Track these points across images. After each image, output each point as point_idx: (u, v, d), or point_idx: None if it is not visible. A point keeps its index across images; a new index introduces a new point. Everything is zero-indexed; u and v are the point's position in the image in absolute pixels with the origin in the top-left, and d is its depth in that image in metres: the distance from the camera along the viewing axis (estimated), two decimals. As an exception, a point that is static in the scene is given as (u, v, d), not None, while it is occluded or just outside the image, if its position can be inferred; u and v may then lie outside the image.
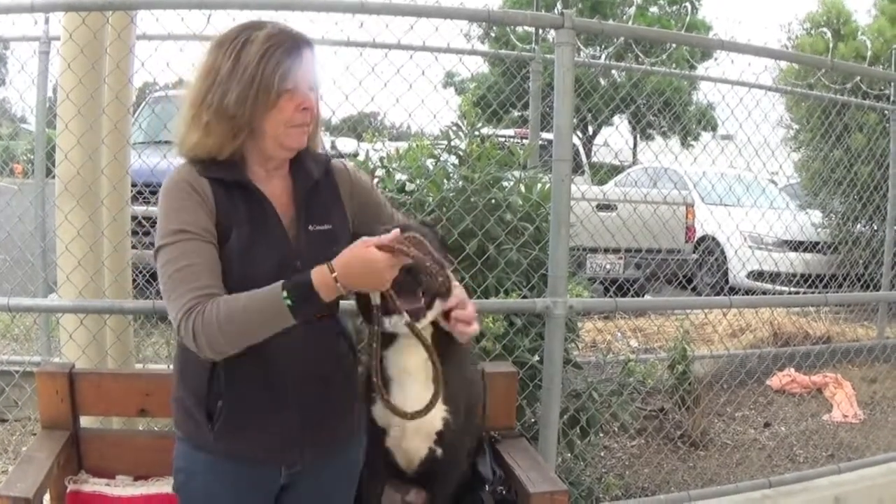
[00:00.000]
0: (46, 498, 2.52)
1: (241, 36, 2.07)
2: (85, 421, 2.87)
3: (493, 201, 3.76)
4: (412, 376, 2.32)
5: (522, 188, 3.96)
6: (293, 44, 2.08)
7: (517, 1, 23.68)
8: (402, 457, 2.49)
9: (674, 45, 5.74)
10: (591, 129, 22.84)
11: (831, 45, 5.62)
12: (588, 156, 14.71)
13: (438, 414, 2.37)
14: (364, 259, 1.99)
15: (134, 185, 4.06)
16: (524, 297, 3.67)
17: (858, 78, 5.93)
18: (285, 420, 2.13)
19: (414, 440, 2.41)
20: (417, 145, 4.04)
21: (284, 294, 1.95)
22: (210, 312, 1.95)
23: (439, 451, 2.46)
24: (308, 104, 2.11)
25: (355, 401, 2.32)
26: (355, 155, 4.40)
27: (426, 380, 2.27)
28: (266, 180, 2.18)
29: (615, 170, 12.93)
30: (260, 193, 2.13)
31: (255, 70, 2.02)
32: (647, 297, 7.95)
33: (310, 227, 2.17)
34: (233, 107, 2.03)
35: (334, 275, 1.97)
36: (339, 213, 2.26)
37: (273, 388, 2.11)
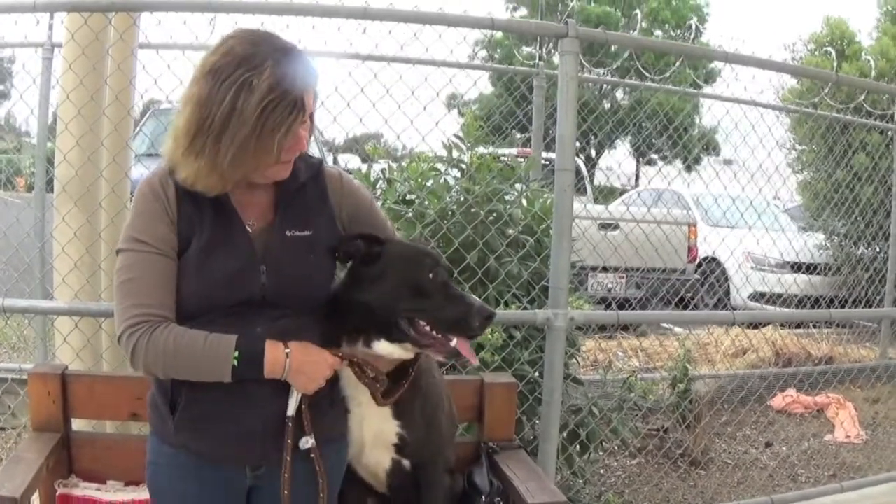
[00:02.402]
0: (35, 499, 2.48)
1: (237, 75, 1.92)
2: (77, 424, 2.83)
3: (494, 214, 3.73)
4: (361, 394, 2.28)
5: (524, 201, 3.93)
6: (298, 92, 1.96)
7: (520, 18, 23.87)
8: (366, 472, 2.43)
9: (677, 63, 5.73)
10: (593, 152, 22.92)
11: (835, 64, 5.60)
12: (591, 179, 14.75)
13: (392, 429, 2.34)
14: (320, 354, 2.09)
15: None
16: (524, 309, 3.63)
17: (862, 97, 5.91)
18: (245, 419, 2.08)
19: (373, 454, 2.36)
20: (419, 157, 4.03)
21: (236, 353, 1.98)
22: (159, 337, 1.97)
23: (406, 462, 2.41)
24: (302, 145, 2.05)
25: (328, 404, 2.21)
26: (359, 170, 4.39)
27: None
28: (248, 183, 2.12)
29: (614, 193, 12.97)
30: (227, 200, 2.08)
31: (254, 128, 1.91)
32: (650, 311, 7.90)
33: (287, 233, 2.12)
34: (228, 168, 1.95)
35: (287, 350, 2.03)
36: (324, 220, 2.19)
37: (235, 388, 2.05)
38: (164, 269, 2.03)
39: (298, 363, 2.04)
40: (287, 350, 2.03)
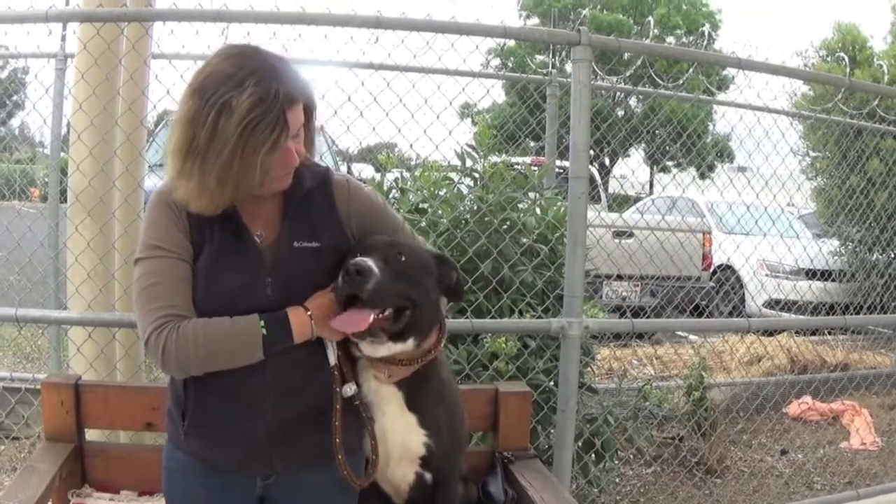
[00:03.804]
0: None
1: (218, 95, 1.88)
2: (91, 434, 2.82)
3: (507, 222, 3.72)
4: (384, 402, 2.26)
5: (538, 210, 3.92)
6: (279, 108, 1.90)
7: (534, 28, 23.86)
8: (388, 485, 2.40)
9: (690, 70, 5.72)
10: (607, 160, 22.90)
11: (848, 70, 5.57)
12: (605, 187, 14.73)
13: (419, 439, 2.30)
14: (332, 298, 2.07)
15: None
16: (539, 318, 3.61)
17: (875, 102, 5.87)
18: (250, 428, 2.08)
19: (399, 468, 2.33)
20: (432, 166, 4.03)
21: (261, 324, 1.98)
22: (187, 330, 1.96)
23: (428, 476, 2.38)
24: (293, 159, 2.00)
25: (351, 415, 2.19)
26: (372, 179, 4.41)
27: (400, 404, 2.26)
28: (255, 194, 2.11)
29: (628, 201, 12.92)
30: (235, 213, 2.07)
31: (235, 149, 1.87)
32: (665, 319, 7.86)
33: (294, 244, 2.10)
34: (215, 187, 1.92)
35: (309, 313, 2.03)
36: (331, 230, 2.15)
37: (239, 396, 2.06)
38: (183, 274, 2.04)
39: (322, 316, 2.04)
40: (308, 311, 2.03)
